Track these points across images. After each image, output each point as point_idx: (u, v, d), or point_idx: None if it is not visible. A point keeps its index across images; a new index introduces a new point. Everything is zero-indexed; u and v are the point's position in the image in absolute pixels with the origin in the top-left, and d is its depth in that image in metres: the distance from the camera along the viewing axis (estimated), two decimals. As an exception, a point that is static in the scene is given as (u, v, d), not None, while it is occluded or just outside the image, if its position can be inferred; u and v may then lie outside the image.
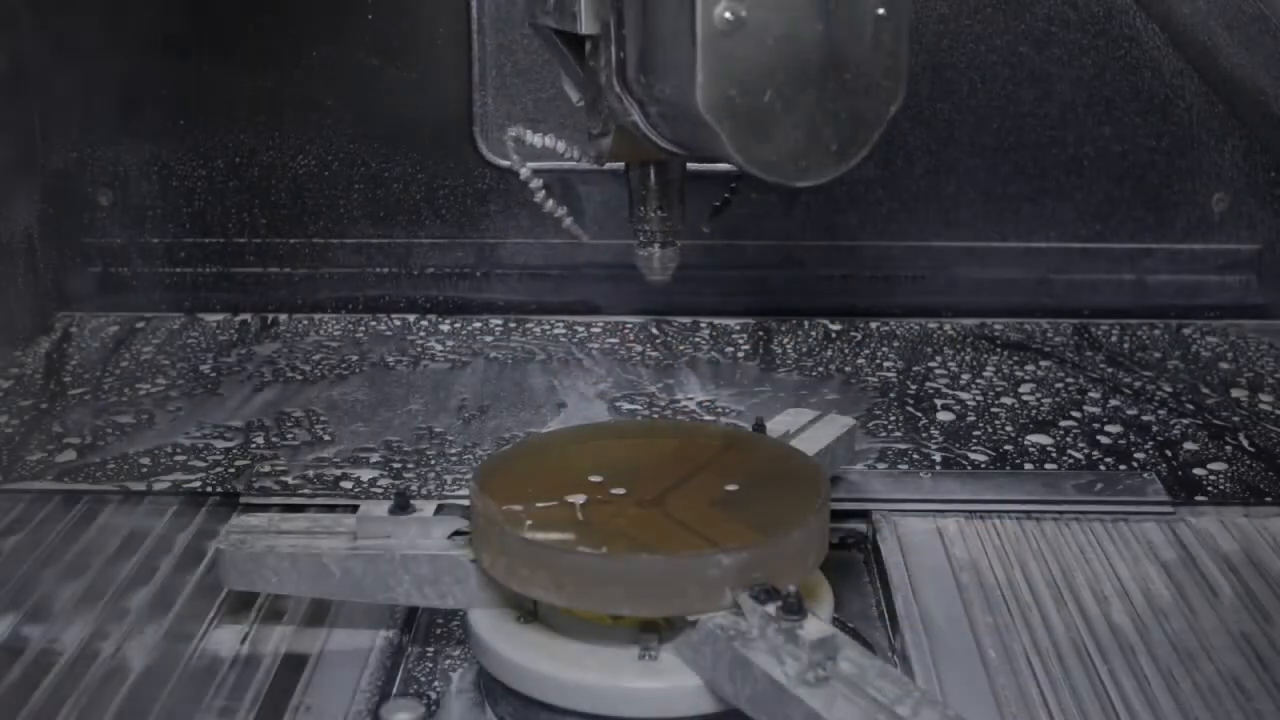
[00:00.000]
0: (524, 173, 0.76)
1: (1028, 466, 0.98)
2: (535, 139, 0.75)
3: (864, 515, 0.90)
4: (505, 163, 1.27)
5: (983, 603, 0.79)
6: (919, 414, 1.07)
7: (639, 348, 1.22)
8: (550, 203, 0.77)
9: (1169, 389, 1.13)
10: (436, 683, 0.74)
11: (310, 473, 0.97)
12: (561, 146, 0.74)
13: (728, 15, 0.54)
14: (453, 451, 1.01)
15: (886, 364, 1.18)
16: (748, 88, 0.55)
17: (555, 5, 0.70)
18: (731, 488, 0.72)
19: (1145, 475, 0.96)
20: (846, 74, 0.57)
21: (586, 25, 0.65)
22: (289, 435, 1.04)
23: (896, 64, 0.59)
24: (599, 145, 0.70)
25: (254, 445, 1.02)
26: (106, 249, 1.30)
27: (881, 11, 0.57)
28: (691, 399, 1.11)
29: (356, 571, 0.74)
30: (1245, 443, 1.02)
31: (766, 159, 0.57)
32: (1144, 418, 1.07)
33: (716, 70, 0.54)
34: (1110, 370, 1.17)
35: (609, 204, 1.27)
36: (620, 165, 0.73)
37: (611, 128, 0.68)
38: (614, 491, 0.72)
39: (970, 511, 0.90)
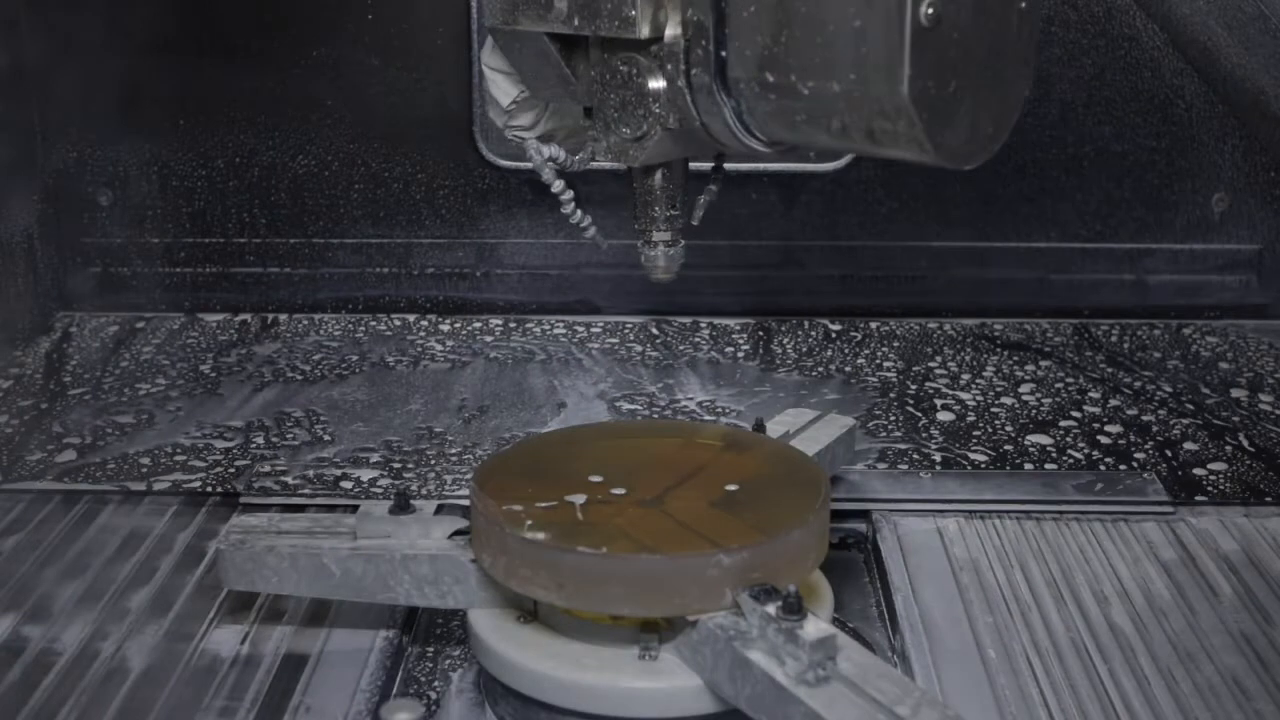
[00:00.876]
0: (556, 186, 0.76)
1: (1028, 466, 0.98)
2: (550, 152, 0.75)
3: (864, 515, 0.90)
4: (505, 163, 1.27)
5: (983, 603, 0.79)
6: (919, 414, 1.07)
7: (639, 348, 1.23)
8: (578, 213, 0.77)
9: (1169, 389, 1.13)
10: (436, 683, 0.74)
11: (310, 473, 0.97)
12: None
13: (929, 12, 0.58)
14: (453, 451, 1.01)
15: (886, 364, 1.18)
16: (939, 80, 0.59)
17: (576, 9, 0.69)
18: (731, 488, 0.72)
19: (1145, 475, 0.96)
20: (1000, 63, 0.62)
21: (646, 30, 0.67)
22: (289, 435, 1.04)
23: (1031, 53, 0.64)
24: (638, 147, 0.71)
25: (254, 445, 1.02)
26: (106, 249, 1.31)
27: (1024, 5, 0.62)
28: (691, 399, 1.11)
29: (356, 571, 0.74)
30: (1245, 443, 1.02)
31: (950, 146, 0.61)
32: (1144, 418, 1.07)
33: (921, 64, 0.58)
34: (1110, 370, 1.17)
35: (608, 203, 1.27)
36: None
37: (655, 130, 0.70)
38: (614, 491, 0.72)
39: (970, 511, 0.90)
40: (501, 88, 0.78)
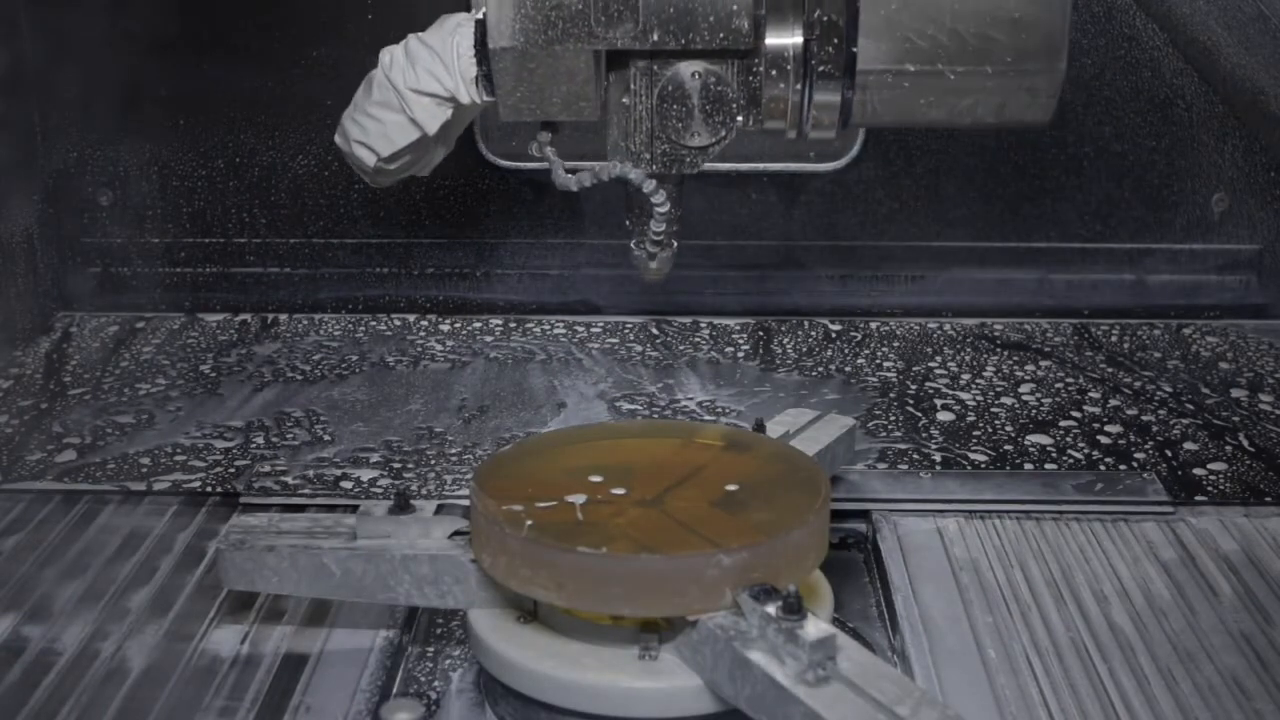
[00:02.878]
0: (575, 182, 0.76)
1: (1028, 466, 0.98)
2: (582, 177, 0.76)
3: (864, 515, 0.90)
4: (505, 163, 1.27)
5: (983, 603, 0.79)
6: (919, 414, 1.07)
7: (639, 348, 1.23)
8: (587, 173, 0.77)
9: (1169, 389, 1.13)
10: (436, 683, 0.74)
11: (310, 473, 0.97)
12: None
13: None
14: (453, 451, 1.01)
15: (886, 364, 1.18)
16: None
17: (658, 24, 0.70)
18: (731, 488, 0.72)
19: (1145, 475, 0.96)
20: None
21: (753, 39, 0.71)
22: (289, 435, 1.04)
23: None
24: (704, 155, 0.74)
25: (254, 445, 1.02)
26: (106, 249, 1.31)
27: None
28: (691, 399, 1.11)
29: (356, 571, 0.74)
30: (1245, 443, 1.02)
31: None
32: (1144, 418, 1.07)
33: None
34: (1110, 370, 1.17)
35: (608, 203, 1.27)
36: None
37: (732, 134, 0.73)
38: (614, 491, 0.72)
39: (970, 511, 0.90)
40: (422, 115, 0.77)
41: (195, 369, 1.18)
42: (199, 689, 0.72)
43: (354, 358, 1.20)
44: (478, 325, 1.28)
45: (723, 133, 0.73)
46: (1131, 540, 0.87)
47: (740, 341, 1.24)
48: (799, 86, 0.72)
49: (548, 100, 0.73)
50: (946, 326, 1.27)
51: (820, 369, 1.17)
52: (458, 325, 1.28)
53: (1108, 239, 1.29)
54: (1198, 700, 0.70)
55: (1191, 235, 1.29)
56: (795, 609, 0.63)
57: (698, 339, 1.24)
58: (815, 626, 0.62)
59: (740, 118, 0.73)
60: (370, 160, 0.79)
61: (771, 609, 0.63)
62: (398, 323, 1.29)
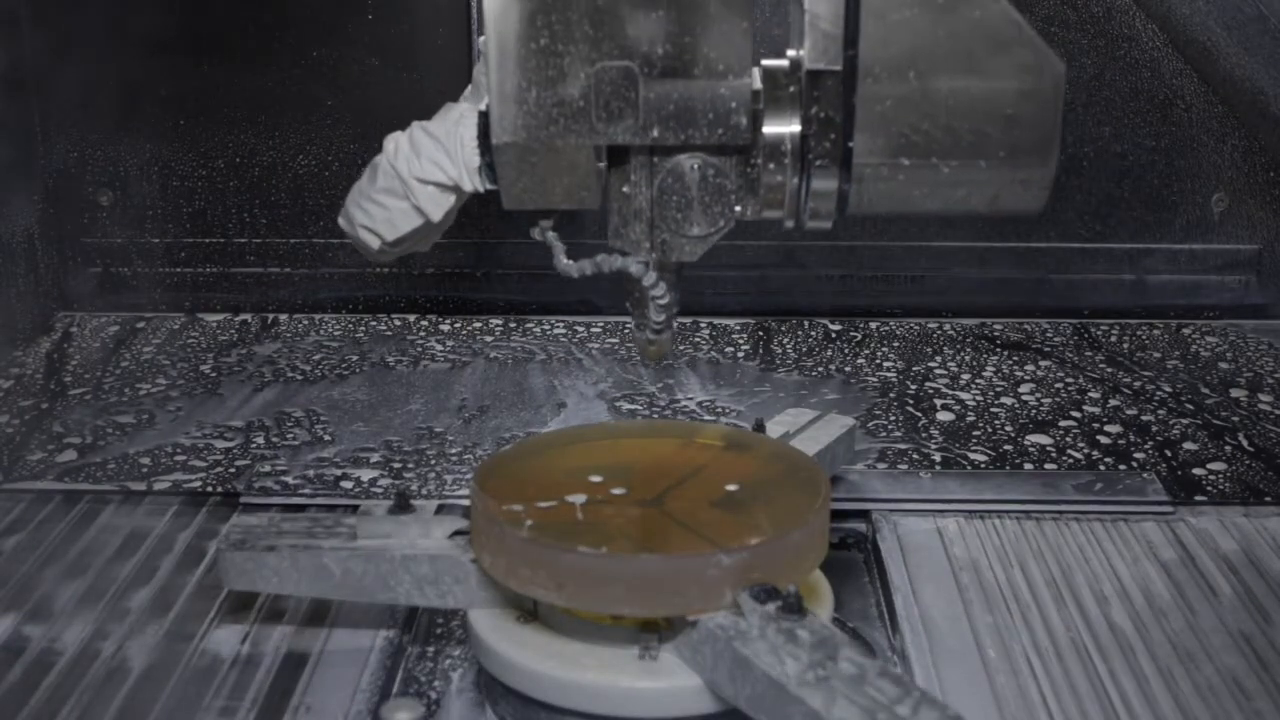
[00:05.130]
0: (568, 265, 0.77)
1: (1027, 466, 0.98)
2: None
3: (864, 515, 0.90)
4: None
5: (983, 603, 0.79)
6: (919, 414, 1.07)
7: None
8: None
9: (1169, 389, 1.13)
10: (436, 683, 0.74)
11: (310, 473, 0.97)
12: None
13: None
14: (453, 451, 1.01)
15: (886, 364, 1.18)
16: None
17: (657, 120, 0.70)
18: (731, 488, 0.72)
19: (1145, 475, 0.96)
20: None
21: (750, 135, 0.72)
22: (289, 435, 1.04)
23: None
24: (702, 244, 0.75)
25: (254, 445, 1.02)
26: (106, 249, 1.31)
27: None
28: (691, 399, 1.11)
29: (356, 571, 0.74)
30: (1245, 443, 1.02)
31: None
32: (1144, 418, 1.07)
33: None
34: (1110, 370, 1.17)
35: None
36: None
37: (730, 224, 0.75)
38: (614, 491, 0.72)
39: (970, 511, 0.90)
40: (427, 203, 0.78)
41: (195, 369, 1.18)
42: (199, 689, 0.72)
43: (354, 358, 1.20)
44: (478, 325, 1.28)
45: (721, 223, 0.75)
46: (1131, 540, 0.87)
47: (740, 341, 1.24)
48: (796, 179, 0.74)
49: (550, 190, 0.74)
50: (946, 326, 1.27)
51: (820, 369, 1.17)
52: (458, 325, 1.28)
53: (1107, 239, 1.29)
54: (1198, 700, 0.70)
55: (1191, 235, 1.29)
56: (795, 609, 0.63)
57: (698, 339, 1.25)
58: (815, 626, 0.62)
59: (739, 208, 0.74)
60: (375, 244, 0.80)
61: (771, 609, 0.63)
62: (398, 323, 1.29)
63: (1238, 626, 0.77)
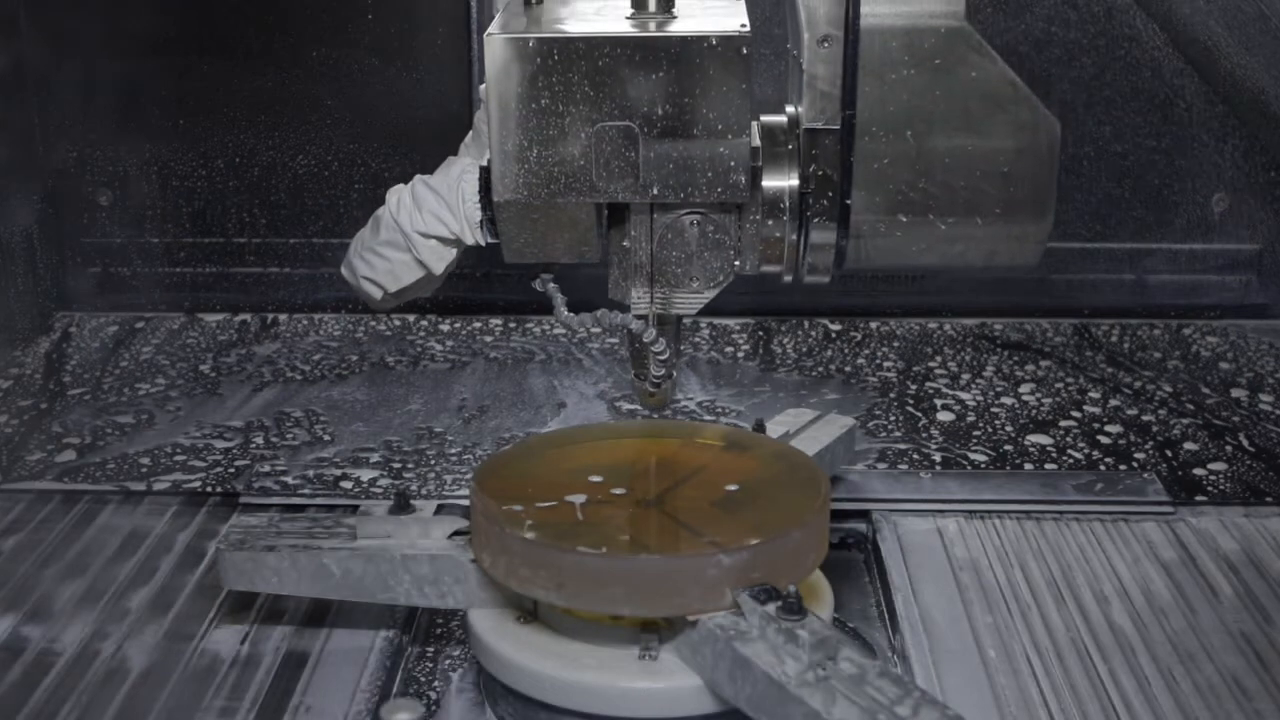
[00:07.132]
0: (567, 315, 0.79)
1: (1028, 466, 0.98)
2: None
3: (864, 515, 0.90)
4: None
5: (983, 603, 0.79)
6: (919, 414, 1.07)
7: (639, 348, 1.22)
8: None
9: (1169, 389, 1.13)
10: (436, 683, 0.74)
11: (310, 473, 0.97)
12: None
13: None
14: (453, 451, 1.01)
15: (886, 364, 1.18)
16: None
17: (656, 180, 0.71)
18: (731, 488, 0.72)
19: (1145, 475, 0.96)
20: None
21: (749, 193, 0.74)
22: (289, 435, 1.04)
23: None
24: (700, 298, 0.77)
25: (254, 445, 1.02)
26: (106, 249, 1.31)
27: None
28: (691, 399, 1.11)
29: (356, 572, 0.73)
30: (1245, 443, 1.02)
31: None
32: (1144, 418, 1.07)
33: None
34: (1110, 370, 1.17)
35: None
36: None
37: (730, 277, 0.77)
38: (614, 491, 0.72)
39: (970, 511, 0.90)
40: (429, 256, 0.79)
41: (195, 369, 1.18)
42: (199, 689, 0.72)
43: (354, 358, 1.20)
44: (478, 325, 1.28)
45: (720, 277, 0.76)
46: (1131, 540, 0.87)
47: (740, 341, 1.24)
48: (795, 234, 0.75)
49: (551, 245, 0.76)
50: (946, 326, 1.27)
51: (820, 369, 1.17)
52: (458, 325, 1.28)
53: (1108, 239, 1.29)
54: (1198, 700, 0.70)
55: (1191, 235, 1.29)
56: (795, 609, 0.63)
57: (698, 339, 1.24)
58: (815, 626, 0.62)
59: (738, 263, 0.76)
60: (377, 294, 0.82)
61: (771, 609, 0.63)
62: (397, 323, 1.29)
63: (1238, 626, 0.77)
